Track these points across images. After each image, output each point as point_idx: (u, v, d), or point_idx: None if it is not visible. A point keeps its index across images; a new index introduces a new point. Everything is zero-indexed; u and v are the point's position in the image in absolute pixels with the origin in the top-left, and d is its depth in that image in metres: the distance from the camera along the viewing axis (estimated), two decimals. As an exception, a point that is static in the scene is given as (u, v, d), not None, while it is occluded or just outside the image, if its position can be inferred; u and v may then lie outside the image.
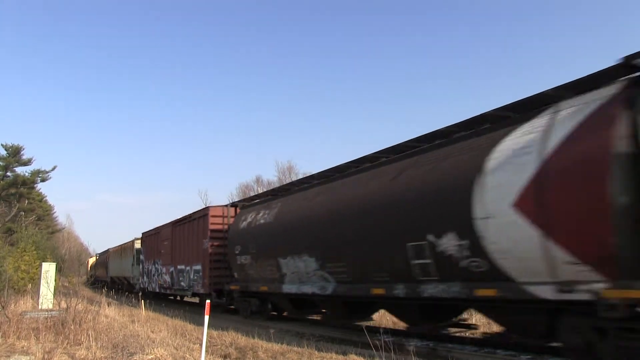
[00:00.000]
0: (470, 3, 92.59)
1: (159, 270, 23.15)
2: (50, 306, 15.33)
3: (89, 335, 9.59)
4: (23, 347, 8.98)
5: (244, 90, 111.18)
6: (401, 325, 12.45)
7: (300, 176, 39.72)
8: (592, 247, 6.07)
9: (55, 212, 58.10)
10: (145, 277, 25.76)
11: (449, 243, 7.97)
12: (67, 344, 9.13)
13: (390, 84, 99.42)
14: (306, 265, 11.94)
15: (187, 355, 8.16)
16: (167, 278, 21.79)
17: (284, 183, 20.76)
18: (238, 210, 17.76)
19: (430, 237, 8.32)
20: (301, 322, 14.45)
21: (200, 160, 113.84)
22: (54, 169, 37.63)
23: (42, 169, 36.43)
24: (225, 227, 17.28)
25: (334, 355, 8.25)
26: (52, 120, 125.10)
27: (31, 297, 17.74)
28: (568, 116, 6.66)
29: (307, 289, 12.08)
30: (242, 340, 10.04)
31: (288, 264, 12.72)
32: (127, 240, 32.28)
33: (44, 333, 9.75)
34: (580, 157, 6.23)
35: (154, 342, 9.31)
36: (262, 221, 14.31)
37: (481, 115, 8.72)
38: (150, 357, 7.99)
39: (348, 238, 10.42)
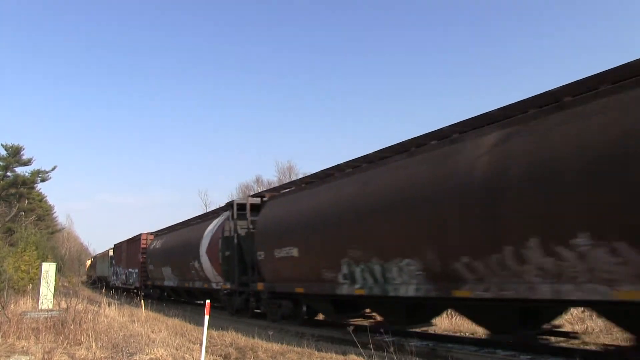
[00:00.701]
0: (471, 2, 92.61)
1: (120, 272, 33.26)
2: (50, 306, 15.34)
3: (89, 335, 9.59)
4: (23, 347, 8.98)
5: (244, 90, 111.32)
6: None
7: (300, 176, 39.73)
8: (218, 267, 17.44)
9: (55, 212, 58.22)
10: (114, 276, 35.46)
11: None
12: (67, 344, 9.13)
13: (390, 83, 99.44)
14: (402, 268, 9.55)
15: (187, 355, 8.16)
16: (124, 277, 31.98)
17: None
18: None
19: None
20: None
21: (200, 160, 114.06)
22: (54, 169, 37.70)
23: (42, 169, 36.49)
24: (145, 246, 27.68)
25: (334, 355, 8.25)
26: (52, 120, 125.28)
27: (31, 297, 17.75)
28: (219, 219, 18.38)
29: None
30: (242, 340, 10.04)
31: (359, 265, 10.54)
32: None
33: (44, 333, 9.75)
34: (216, 235, 17.79)
35: (154, 342, 9.31)
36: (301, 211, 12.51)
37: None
38: (150, 357, 7.99)
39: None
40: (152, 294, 25.50)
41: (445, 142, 9.31)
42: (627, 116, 6.20)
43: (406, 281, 9.38)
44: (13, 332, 10.03)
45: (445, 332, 11.89)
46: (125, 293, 28.51)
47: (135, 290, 27.64)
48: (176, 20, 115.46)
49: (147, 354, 8.10)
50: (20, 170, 35.43)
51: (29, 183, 35.75)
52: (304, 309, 13.58)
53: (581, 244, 6.36)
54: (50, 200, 53.28)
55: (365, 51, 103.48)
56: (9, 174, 34.69)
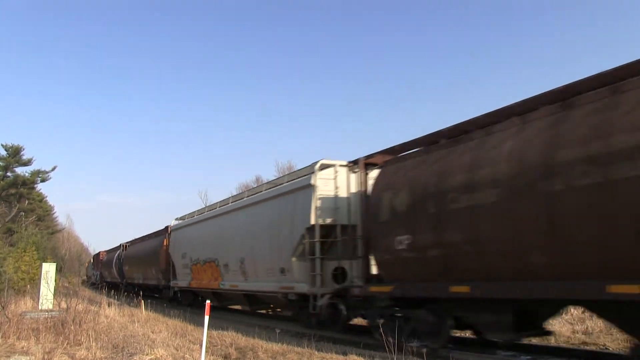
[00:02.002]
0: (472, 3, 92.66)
1: (96, 273, 48.34)
2: (51, 306, 15.33)
3: (89, 335, 9.59)
4: (23, 348, 8.98)
5: (244, 90, 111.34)
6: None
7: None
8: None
9: (55, 213, 58.19)
10: (94, 276, 50.72)
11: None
12: (67, 345, 9.13)
13: (391, 84, 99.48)
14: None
15: (187, 356, 8.16)
16: (98, 275, 46.46)
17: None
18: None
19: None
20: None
21: (200, 160, 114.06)
22: (54, 169, 37.68)
23: (42, 169, 36.46)
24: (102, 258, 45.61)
25: (334, 355, 8.24)
26: (52, 120, 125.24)
27: (31, 298, 17.75)
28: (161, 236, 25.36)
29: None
30: (242, 340, 10.04)
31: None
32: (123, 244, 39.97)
33: (44, 333, 9.75)
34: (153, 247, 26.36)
35: (154, 342, 9.31)
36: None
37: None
38: (150, 357, 7.99)
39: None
40: (101, 284, 38.22)
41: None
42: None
43: None
44: (13, 332, 10.03)
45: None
46: (113, 290, 29.94)
47: (97, 283, 45.08)
48: (176, 21, 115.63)
49: (147, 354, 8.10)
50: (20, 170, 35.45)
51: (29, 183, 35.73)
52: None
53: None
54: (51, 200, 53.31)
55: (366, 52, 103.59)
56: (9, 174, 34.68)
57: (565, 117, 6.69)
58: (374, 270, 10.13)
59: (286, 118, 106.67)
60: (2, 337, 9.71)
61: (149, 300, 19.12)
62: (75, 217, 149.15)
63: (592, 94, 6.60)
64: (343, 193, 11.54)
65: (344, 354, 8.41)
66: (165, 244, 23.46)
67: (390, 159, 10.23)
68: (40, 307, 15.43)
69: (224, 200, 18.23)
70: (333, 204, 11.59)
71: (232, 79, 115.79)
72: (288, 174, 15.27)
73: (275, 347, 9.17)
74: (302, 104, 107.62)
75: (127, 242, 34.47)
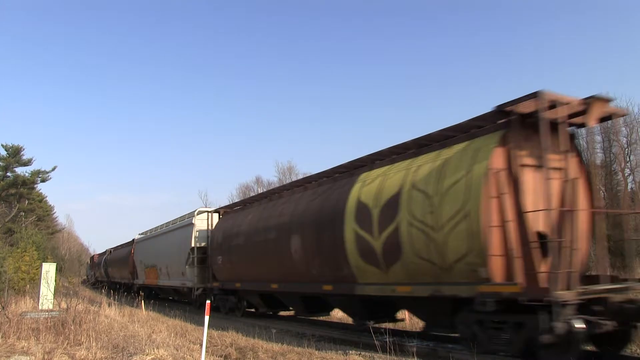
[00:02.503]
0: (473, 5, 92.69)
1: (91, 273, 55.71)
2: (51, 306, 15.33)
3: (89, 335, 9.59)
4: (23, 348, 8.98)
5: (244, 91, 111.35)
6: (400, 325, 12.46)
7: (301, 176, 39.71)
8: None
9: (55, 213, 58.20)
10: (90, 276, 57.30)
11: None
12: (67, 345, 9.13)
13: (391, 85, 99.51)
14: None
15: (187, 356, 8.16)
16: (92, 275, 53.36)
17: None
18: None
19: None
20: (338, 328, 13.59)
21: (200, 161, 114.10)
22: (54, 169, 37.58)
23: (42, 169, 36.37)
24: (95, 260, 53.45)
25: (334, 355, 8.25)
26: (52, 120, 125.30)
27: (31, 298, 17.74)
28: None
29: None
30: (242, 340, 10.05)
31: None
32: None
33: (44, 333, 9.76)
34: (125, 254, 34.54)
35: (154, 342, 9.30)
36: None
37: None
38: (150, 357, 7.98)
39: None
40: (95, 282, 48.18)
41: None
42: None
43: None
44: (13, 332, 10.03)
45: (446, 333, 11.87)
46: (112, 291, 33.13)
47: (90, 282, 53.80)
48: (176, 22, 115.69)
49: (147, 354, 8.10)
50: (20, 170, 35.38)
51: (29, 183, 35.68)
52: None
53: None
54: (50, 200, 53.35)
55: (366, 52, 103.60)
56: (9, 174, 34.64)
57: (266, 205, 14.91)
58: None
59: (286, 118, 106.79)
60: (2, 337, 9.72)
61: (125, 294, 27.30)
62: (75, 217, 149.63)
63: (278, 195, 14.94)
64: (210, 228, 18.35)
65: (344, 353, 8.41)
66: (132, 252, 30.53)
67: (225, 211, 18.49)
68: (40, 307, 15.42)
69: (165, 223, 25.36)
70: (205, 234, 18.98)
71: (232, 79, 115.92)
72: (182, 215, 22.71)
73: (275, 347, 9.17)
74: (303, 104, 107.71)
75: (111, 248, 42.45)
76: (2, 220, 32.47)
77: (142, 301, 17.98)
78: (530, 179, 7.74)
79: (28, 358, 8.10)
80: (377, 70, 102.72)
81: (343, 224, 10.26)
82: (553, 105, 7.39)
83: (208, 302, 8.38)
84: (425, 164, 8.92)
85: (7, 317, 10.96)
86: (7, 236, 31.18)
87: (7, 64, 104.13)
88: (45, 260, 23.49)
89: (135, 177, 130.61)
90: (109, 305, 16.58)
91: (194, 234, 19.43)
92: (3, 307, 11.86)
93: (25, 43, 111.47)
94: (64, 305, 12.08)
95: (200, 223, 19.38)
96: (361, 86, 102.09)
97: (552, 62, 78.75)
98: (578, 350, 6.80)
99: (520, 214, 7.50)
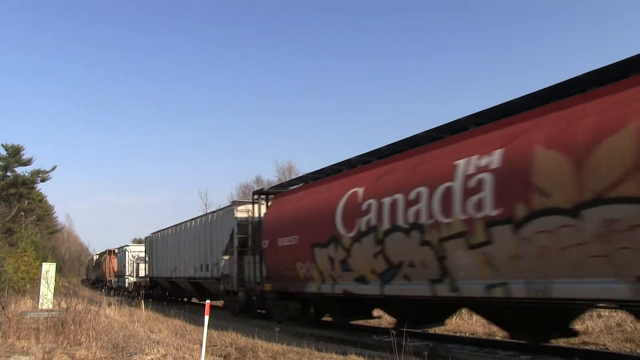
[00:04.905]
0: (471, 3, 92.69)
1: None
2: (50, 306, 15.33)
3: (89, 335, 9.59)
4: (23, 347, 8.98)
5: (243, 90, 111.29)
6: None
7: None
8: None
9: (55, 213, 58.22)
10: (91, 275, 57.49)
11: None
12: (67, 344, 9.13)
13: (391, 84, 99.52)
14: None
15: (187, 356, 8.16)
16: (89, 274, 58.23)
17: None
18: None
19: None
20: (339, 328, 12.64)
21: (200, 161, 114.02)
22: (54, 169, 37.58)
23: (42, 169, 36.39)
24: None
25: (334, 355, 8.25)
26: (52, 120, 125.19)
27: (31, 298, 17.75)
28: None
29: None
30: (242, 340, 10.04)
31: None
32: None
33: (44, 333, 9.76)
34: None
35: (154, 342, 9.31)
36: None
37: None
38: (150, 357, 7.99)
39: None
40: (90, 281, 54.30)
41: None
42: None
43: None
44: (13, 332, 10.03)
45: (446, 332, 11.90)
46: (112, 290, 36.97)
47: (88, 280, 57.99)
48: (176, 21, 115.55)
49: (147, 354, 8.10)
50: (20, 170, 35.40)
51: (29, 183, 35.70)
52: None
53: None
54: (50, 200, 53.32)
55: (367, 52, 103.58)
56: (9, 174, 34.66)
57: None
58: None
59: (286, 118, 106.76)
60: (2, 337, 9.72)
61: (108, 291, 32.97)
62: (75, 217, 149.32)
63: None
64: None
65: (344, 353, 8.41)
66: (110, 258, 40.21)
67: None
68: (40, 307, 15.43)
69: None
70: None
71: (232, 78, 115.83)
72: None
73: (275, 347, 9.17)
74: (303, 104, 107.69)
75: (97, 253, 52.60)
76: (2, 220, 32.49)
77: (142, 301, 17.98)
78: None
79: (28, 358, 8.11)
80: (378, 69, 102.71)
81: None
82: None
83: (208, 302, 8.38)
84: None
85: (7, 317, 10.97)
86: (7, 236, 31.20)
87: (7, 63, 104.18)
88: (45, 260, 23.50)
89: (135, 176, 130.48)
90: (108, 305, 16.59)
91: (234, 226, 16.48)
92: (3, 307, 11.86)
93: (25, 43, 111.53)
94: (63, 305, 12.08)
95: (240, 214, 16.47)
96: (362, 85, 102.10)
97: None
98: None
99: None
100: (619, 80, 6.55)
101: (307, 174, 14.39)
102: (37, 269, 20.62)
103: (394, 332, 8.70)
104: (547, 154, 6.69)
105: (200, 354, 7.60)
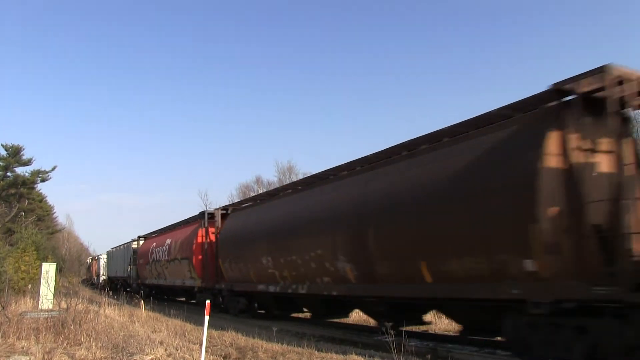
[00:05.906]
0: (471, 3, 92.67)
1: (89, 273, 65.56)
2: (51, 306, 15.34)
3: (89, 335, 9.59)
4: (23, 347, 8.98)
5: (244, 90, 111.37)
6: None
7: (301, 176, 39.67)
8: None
9: (55, 213, 58.19)
10: (94, 276, 60.26)
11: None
12: (67, 344, 9.13)
13: (391, 84, 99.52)
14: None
15: (187, 356, 8.16)
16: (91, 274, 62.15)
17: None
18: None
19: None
20: (339, 328, 13.45)
21: (200, 161, 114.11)
22: (54, 169, 37.66)
23: (42, 169, 36.45)
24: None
25: (334, 355, 8.25)
26: (52, 120, 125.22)
27: (31, 298, 17.76)
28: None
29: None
30: (242, 340, 10.05)
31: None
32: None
33: (44, 333, 9.75)
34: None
35: (154, 342, 9.31)
36: None
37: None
38: (150, 357, 7.99)
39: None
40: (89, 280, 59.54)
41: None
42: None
43: None
44: (13, 332, 10.03)
45: (446, 332, 11.90)
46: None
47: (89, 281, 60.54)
48: (176, 20, 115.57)
49: (147, 354, 8.11)
50: (20, 170, 35.44)
51: (29, 183, 35.73)
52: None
53: None
54: (50, 200, 53.25)
55: (367, 51, 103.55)
56: (9, 174, 34.68)
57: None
58: None
59: (287, 118, 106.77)
60: (2, 337, 9.72)
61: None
62: (75, 217, 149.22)
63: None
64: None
65: (344, 353, 8.41)
66: (95, 262, 52.95)
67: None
68: (40, 307, 15.43)
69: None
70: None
71: (232, 78, 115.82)
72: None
73: (275, 346, 9.17)
74: (303, 103, 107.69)
75: (89, 257, 62.45)
76: (2, 220, 32.47)
77: (142, 301, 17.99)
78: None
79: (28, 358, 8.11)
80: (378, 68, 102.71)
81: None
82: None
83: (208, 302, 8.38)
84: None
85: (7, 317, 10.96)
86: (7, 236, 31.17)
87: (7, 63, 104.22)
88: (45, 260, 23.51)
89: (135, 177, 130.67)
90: (108, 305, 16.59)
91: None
92: (3, 307, 11.85)
93: (25, 42, 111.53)
94: (63, 305, 12.08)
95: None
96: (362, 85, 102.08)
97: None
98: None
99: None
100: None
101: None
102: (37, 269, 20.63)
103: (393, 332, 8.69)
104: None
105: (200, 353, 7.61)
